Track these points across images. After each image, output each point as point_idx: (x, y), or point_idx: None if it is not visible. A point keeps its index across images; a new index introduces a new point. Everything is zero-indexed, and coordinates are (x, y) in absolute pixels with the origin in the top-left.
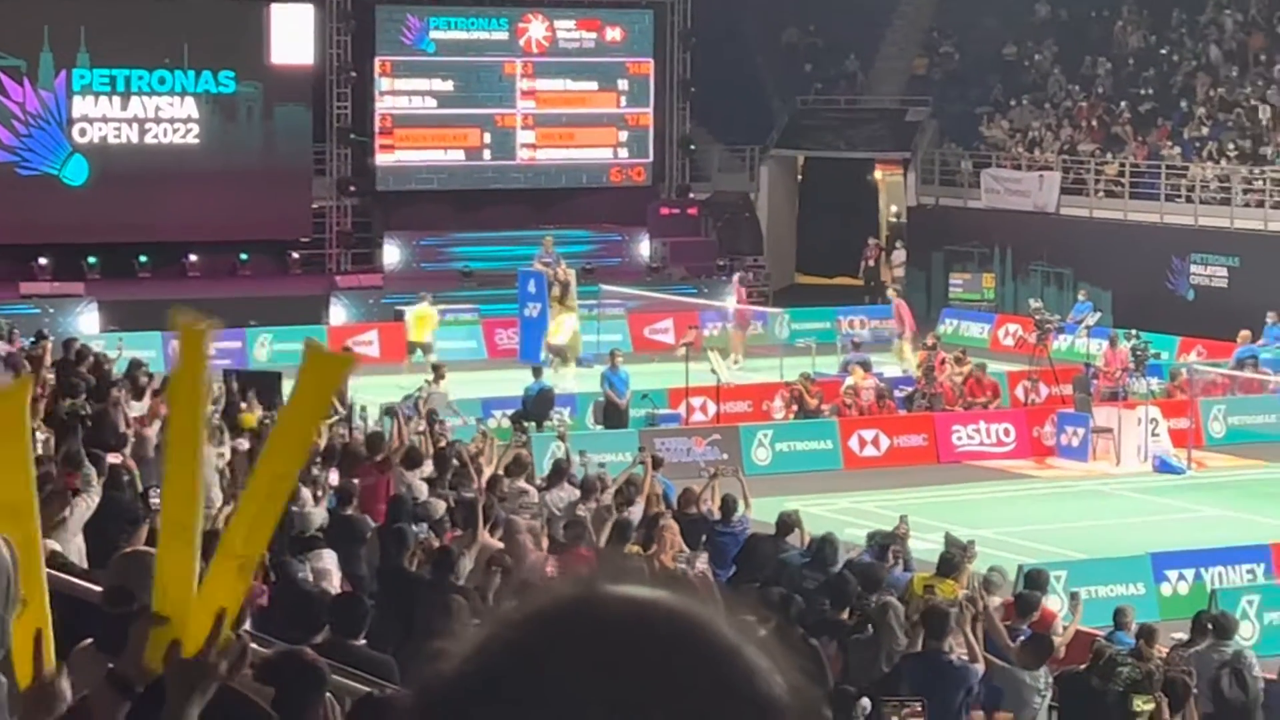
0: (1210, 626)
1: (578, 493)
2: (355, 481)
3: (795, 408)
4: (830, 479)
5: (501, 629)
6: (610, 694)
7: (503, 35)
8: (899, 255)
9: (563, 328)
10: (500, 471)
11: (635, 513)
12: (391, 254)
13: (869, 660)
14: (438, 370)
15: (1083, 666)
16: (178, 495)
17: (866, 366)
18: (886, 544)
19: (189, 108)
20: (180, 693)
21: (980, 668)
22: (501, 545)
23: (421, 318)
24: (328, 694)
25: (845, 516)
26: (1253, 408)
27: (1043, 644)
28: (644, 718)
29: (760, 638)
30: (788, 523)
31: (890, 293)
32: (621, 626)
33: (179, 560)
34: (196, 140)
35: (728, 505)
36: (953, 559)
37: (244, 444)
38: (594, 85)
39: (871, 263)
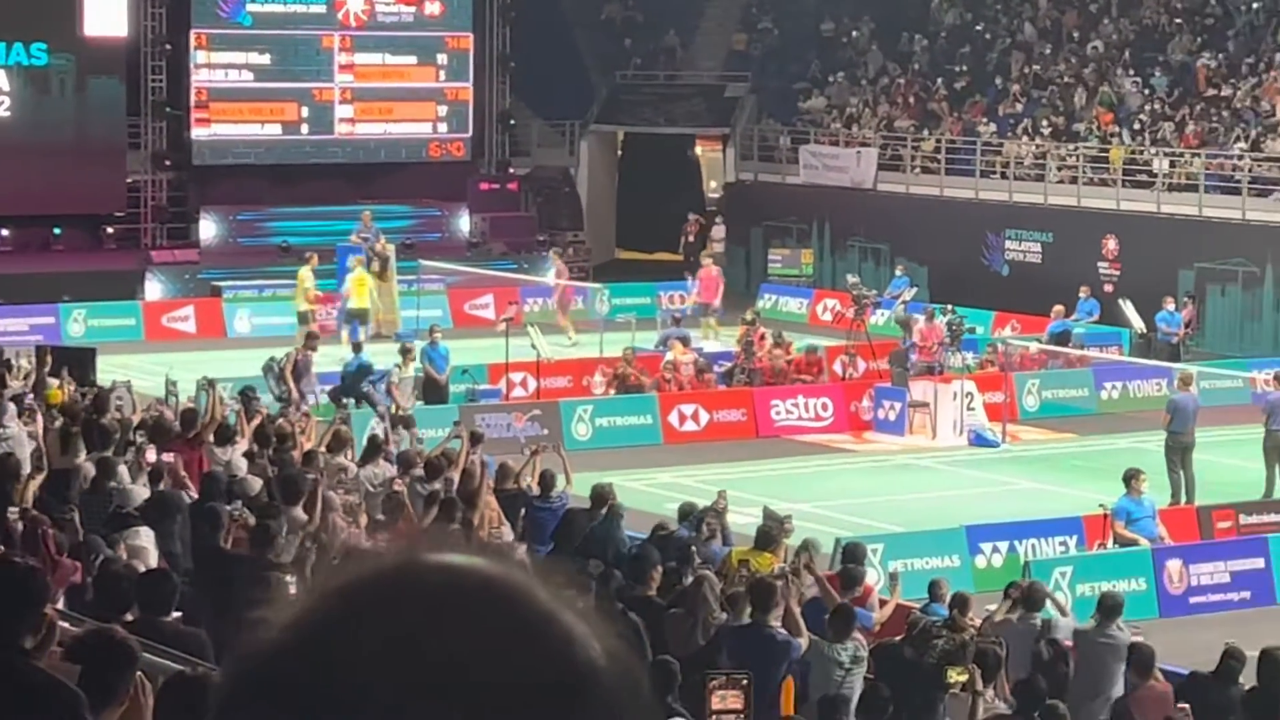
0: (1019, 598)
1: (393, 469)
2: (167, 457)
3: (617, 384)
4: (650, 454)
5: (321, 597)
6: (429, 659)
7: (320, 9)
8: (718, 230)
9: (360, 292)
10: (321, 448)
11: (446, 485)
12: (208, 229)
13: (685, 633)
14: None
15: (898, 639)
16: None
17: (686, 341)
18: (700, 517)
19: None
20: None
21: (803, 641)
22: (316, 522)
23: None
24: (138, 672)
25: (665, 491)
26: (1066, 381)
27: (847, 617)
28: (463, 682)
29: (577, 605)
30: (601, 496)
31: (707, 262)
32: (440, 592)
33: None
34: (7, 113)
35: (546, 481)
36: (770, 533)
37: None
38: (413, 59)
39: (691, 238)
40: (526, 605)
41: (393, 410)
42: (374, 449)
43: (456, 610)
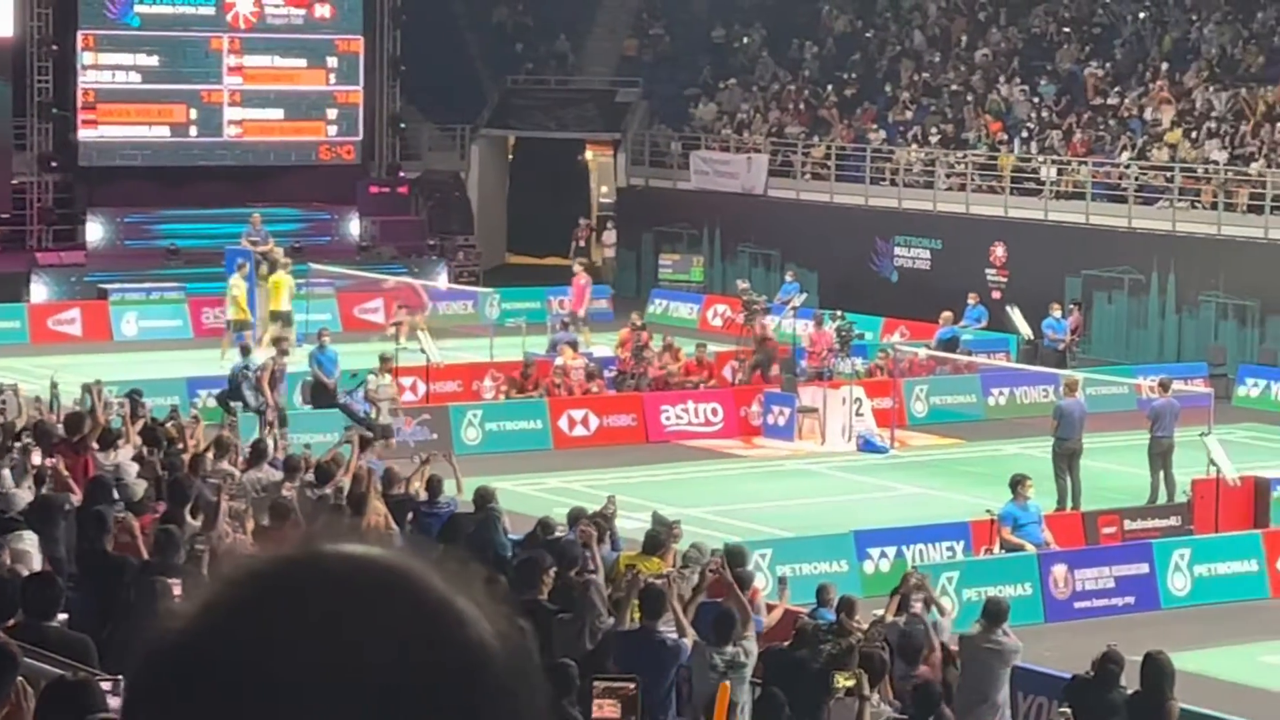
0: (904, 602)
1: (278, 474)
2: (50, 461)
3: (513, 391)
4: (540, 458)
5: (225, 589)
6: (332, 644)
7: (209, 10)
8: (609, 236)
9: (277, 295)
10: (209, 453)
11: (336, 491)
12: (95, 231)
13: (572, 637)
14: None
15: (786, 643)
16: None
17: (575, 346)
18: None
19: None
20: None
21: (689, 643)
22: (200, 526)
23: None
24: (19, 676)
25: (555, 496)
26: (953, 388)
27: (728, 622)
28: (365, 665)
29: (470, 590)
30: (484, 498)
31: (578, 269)
32: (340, 580)
33: None
34: None
35: (434, 486)
36: (658, 537)
37: None
38: (303, 62)
39: (582, 243)
40: (423, 591)
41: (372, 417)
42: (259, 453)
43: (357, 597)
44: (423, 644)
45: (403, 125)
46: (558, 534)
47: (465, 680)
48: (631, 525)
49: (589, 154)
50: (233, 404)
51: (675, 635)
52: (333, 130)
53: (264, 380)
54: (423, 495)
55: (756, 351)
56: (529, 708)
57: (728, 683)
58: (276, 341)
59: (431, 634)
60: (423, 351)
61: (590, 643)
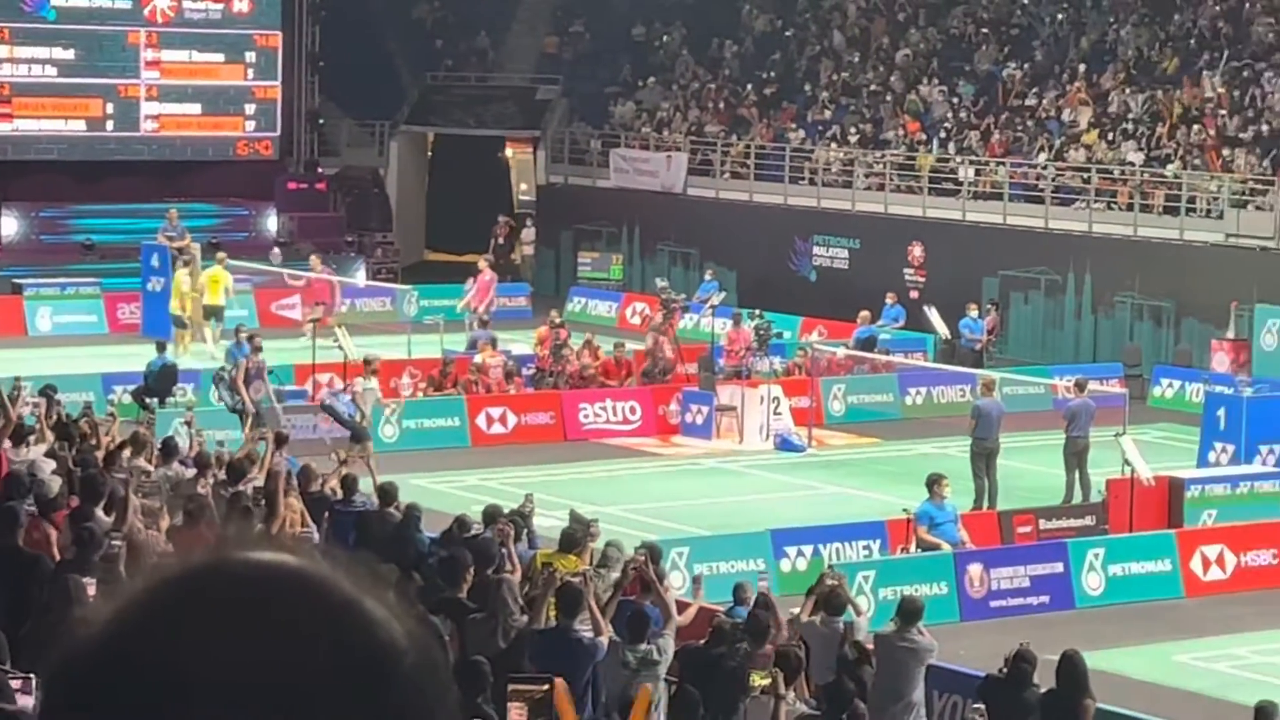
0: (820, 601)
1: (189, 470)
2: None
3: (431, 389)
4: (458, 456)
5: (139, 594)
6: (240, 651)
7: (126, 4)
8: (528, 233)
9: (213, 290)
10: (124, 450)
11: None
12: (9, 225)
13: (485, 636)
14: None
15: (702, 642)
16: None
17: (495, 344)
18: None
19: None
20: None
21: (606, 642)
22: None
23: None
24: None
25: (472, 494)
26: (871, 387)
27: (641, 621)
28: (274, 668)
29: (377, 591)
30: (388, 493)
31: (483, 265)
32: (248, 586)
33: None
34: None
35: (349, 484)
36: (575, 535)
37: None
38: (220, 57)
39: (501, 240)
40: (330, 594)
41: (359, 420)
42: (170, 450)
43: (268, 601)
44: (332, 645)
45: (321, 121)
46: (474, 532)
47: (374, 680)
48: (549, 523)
49: (508, 151)
50: (149, 400)
51: (592, 634)
52: (251, 126)
53: (239, 379)
54: (338, 493)
55: (648, 361)
56: (439, 707)
57: (649, 684)
58: (251, 339)
59: (340, 635)
60: (340, 349)
61: (504, 641)
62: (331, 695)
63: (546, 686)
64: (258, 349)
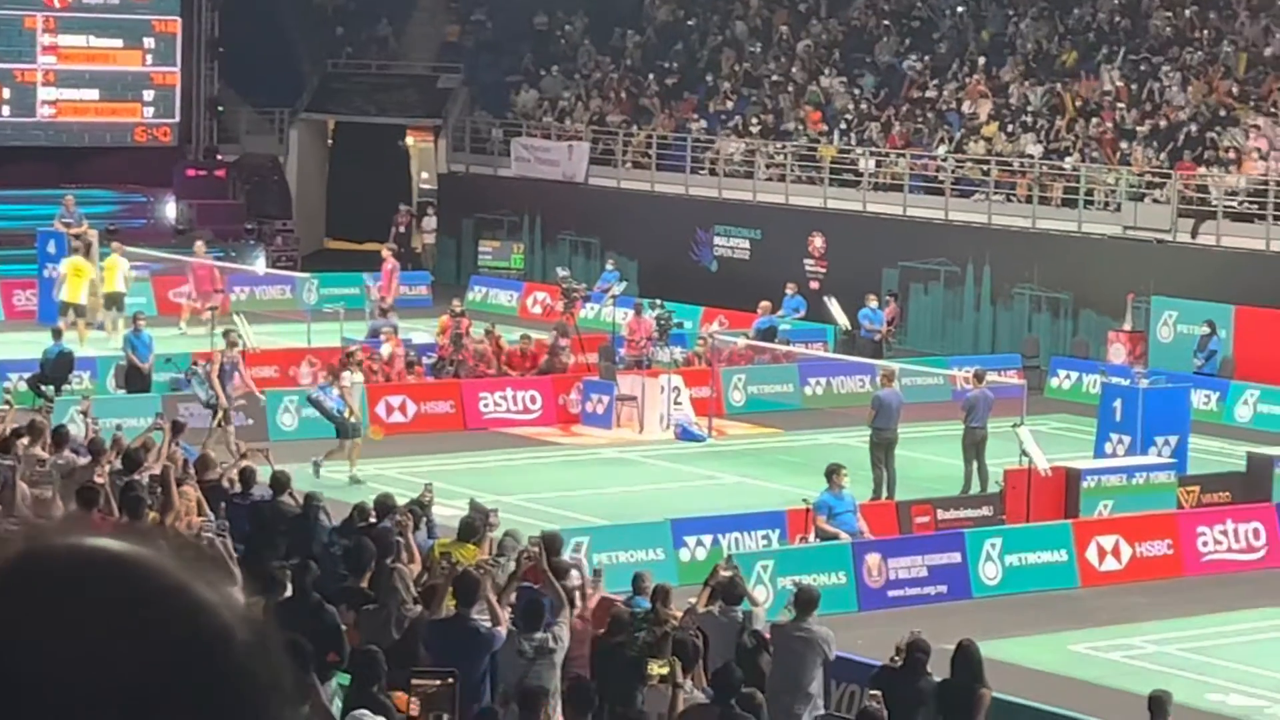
0: (716, 591)
1: (82, 458)
2: None
3: (331, 377)
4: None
5: None
6: (69, 636)
7: None
8: (429, 222)
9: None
10: (21, 438)
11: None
12: None
13: (379, 626)
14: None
15: (601, 631)
16: None
17: (397, 332)
18: (395, 508)
19: None
20: None
21: (504, 632)
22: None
23: (111, 266)
24: None
25: (373, 483)
26: (771, 377)
27: (536, 609)
28: (102, 655)
29: (209, 577)
30: (281, 482)
31: (386, 253)
32: (66, 571)
33: None
34: None
35: (247, 476)
36: (474, 524)
37: None
38: (119, 43)
39: (402, 229)
40: (156, 579)
41: (345, 415)
42: (62, 438)
43: (93, 588)
44: (157, 633)
45: (220, 108)
46: (372, 520)
47: (203, 665)
48: (448, 513)
49: (409, 139)
50: (45, 388)
51: (489, 623)
52: (149, 112)
53: (214, 375)
54: (236, 484)
55: (547, 357)
56: (273, 693)
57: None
58: (226, 334)
59: (168, 620)
60: (240, 335)
61: (397, 632)
62: (161, 681)
63: (449, 680)
64: (232, 344)
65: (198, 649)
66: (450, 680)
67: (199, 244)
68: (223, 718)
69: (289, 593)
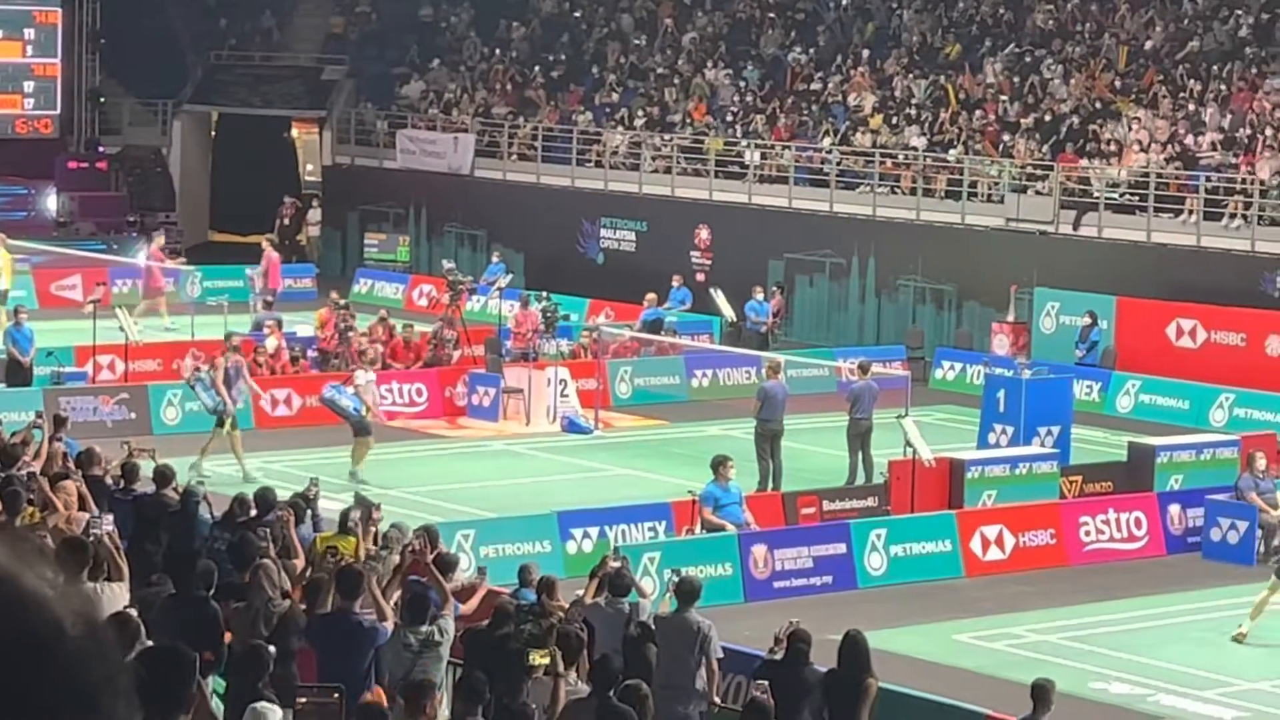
0: (604, 583)
1: None
2: None
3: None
4: (243, 438)
5: None
6: None
7: None
8: (314, 214)
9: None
10: None
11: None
12: None
13: (247, 623)
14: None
15: (486, 623)
16: None
17: (281, 325)
18: (276, 503)
19: None
20: None
21: (389, 626)
22: None
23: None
24: None
25: (259, 476)
26: (657, 369)
27: (421, 602)
28: None
29: (42, 571)
30: (164, 476)
31: (266, 246)
32: None
33: None
34: None
35: (129, 471)
36: (351, 517)
37: None
38: None
39: (287, 221)
40: None
41: (363, 413)
42: None
43: None
44: None
45: (102, 99)
46: (254, 514)
47: (35, 658)
48: (334, 506)
49: (294, 131)
50: None
51: (373, 617)
52: (30, 103)
53: (219, 380)
54: (120, 479)
55: (432, 350)
56: (105, 686)
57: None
58: (228, 337)
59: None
60: (122, 330)
61: (266, 628)
62: None
63: (336, 696)
64: (235, 348)
65: (30, 643)
66: (336, 695)
67: (159, 239)
68: (53, 711)
69: (172, 589)
